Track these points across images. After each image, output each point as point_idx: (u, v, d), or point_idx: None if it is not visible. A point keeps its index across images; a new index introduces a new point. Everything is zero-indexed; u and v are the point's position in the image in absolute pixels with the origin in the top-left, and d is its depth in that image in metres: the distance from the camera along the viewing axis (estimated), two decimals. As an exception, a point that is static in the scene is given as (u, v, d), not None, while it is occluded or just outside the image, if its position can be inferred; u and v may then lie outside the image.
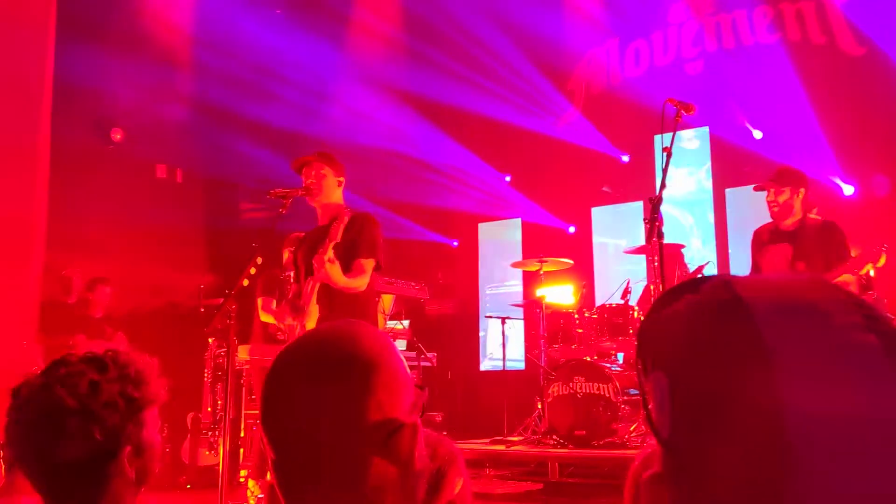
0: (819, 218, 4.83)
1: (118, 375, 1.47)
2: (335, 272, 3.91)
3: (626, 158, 8.51)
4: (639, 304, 6.45)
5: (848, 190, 7.08)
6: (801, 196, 4.71)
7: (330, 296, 4.02)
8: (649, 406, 0.66)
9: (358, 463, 0.98)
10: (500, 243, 9.49)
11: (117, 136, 8.23)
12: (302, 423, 0.99)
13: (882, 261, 4.09)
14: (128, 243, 8.06)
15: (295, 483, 1.01)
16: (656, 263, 3.32)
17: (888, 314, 0.63)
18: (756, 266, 4.93)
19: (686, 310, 0.66)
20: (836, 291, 0.64)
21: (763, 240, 4.83)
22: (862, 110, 6.95)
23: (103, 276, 7.24)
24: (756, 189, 4.86)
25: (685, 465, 0.62)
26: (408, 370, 1.07)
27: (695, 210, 8.21)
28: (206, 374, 6.87)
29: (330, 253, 3.88)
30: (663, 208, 3.65)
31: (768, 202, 4.71)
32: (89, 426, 1.39)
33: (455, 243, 9.78)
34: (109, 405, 1.42)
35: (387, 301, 7.24)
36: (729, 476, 0.59)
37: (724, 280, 0.65)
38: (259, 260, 3.61)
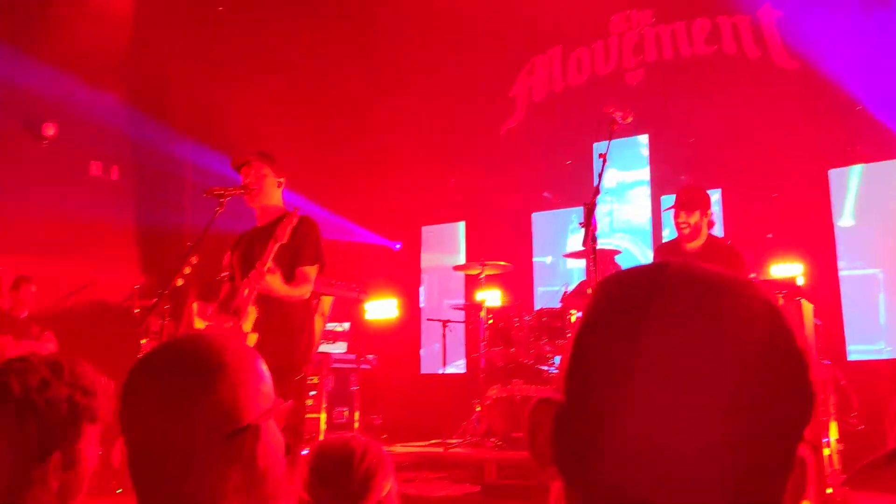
0: (723, 239, 4.93)
1: (70, 381, 1.45)
2: (276, 283, 3.88)
3: (567, 163, 8.62)
4: (565, 301, 6.55)
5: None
6: (708, 217, 4.87)
7: (267, 298, 3.98)
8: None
9: (197, 459, 1.04)
10: (443, 246, 9.51)
11: (50, 131, 7.99)
12: (147, 420, 1.07)
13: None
14: (60, 242, 7.85)
15: (143, 476, 1.08)
16: (592, 266, 3.38)
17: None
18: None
19: (628, 274, 0.74)
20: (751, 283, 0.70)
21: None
22: (793, 122, 7.17)
23: (25, 274, 7.01)
24: (667, 210, 4.98)
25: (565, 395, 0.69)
26: (263, 380, 1.13)
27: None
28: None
29: (269, 263, 3.85)
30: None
31: (678, 223, 4.82)
32: (27, 417, 1.37)
33: (398, 246, 9.76)
34: (52, 404, 1.40)
35: (326, 303, 7.19)
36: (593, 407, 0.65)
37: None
38: (194, 260, 3.55)
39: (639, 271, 0.71)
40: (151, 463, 1.06)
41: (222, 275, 5.77)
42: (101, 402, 1.49)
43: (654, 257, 5.09)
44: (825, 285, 6.57)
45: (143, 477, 1.08)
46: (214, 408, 1.06)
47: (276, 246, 3.92)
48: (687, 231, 4.78)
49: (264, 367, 1.15)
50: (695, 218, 4.76)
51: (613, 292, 0.69)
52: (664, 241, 5.17)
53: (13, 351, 6.49)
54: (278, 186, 4.26)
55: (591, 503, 0.65)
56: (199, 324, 6.00)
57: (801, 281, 5.93)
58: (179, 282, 3.52)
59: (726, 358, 0.62)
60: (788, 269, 6.46)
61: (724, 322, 0.64)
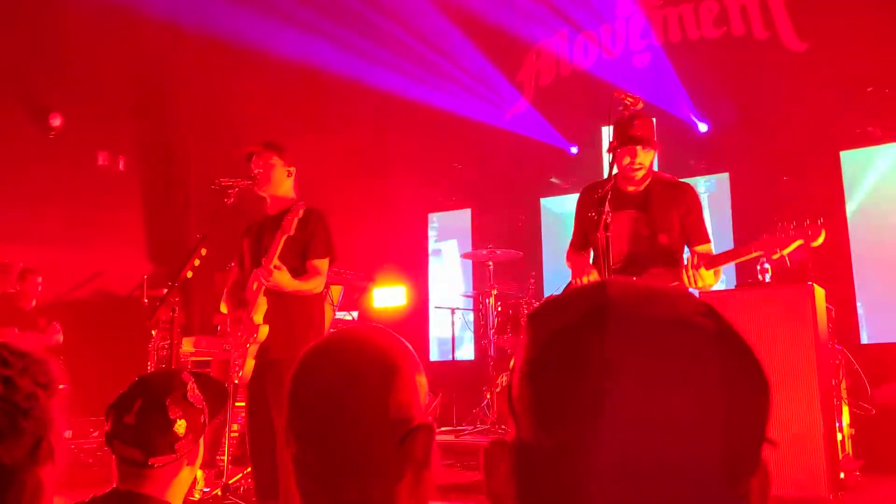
0: (669, 176, 4.08)
1: (23, 367, 1.41)
2: (283, 279, 3.86)
3: (574, 150, 8.58)
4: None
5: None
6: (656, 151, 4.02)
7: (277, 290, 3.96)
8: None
9: (375, 459, 1.03)
10: (451, 233, 9.49)
11: (56, 121, 7.97)
12: (325, 418, 1.04)
13: (821, 238, 3.52)
14: (68, 232, 7.86)
15: (313, 476, 1.05)
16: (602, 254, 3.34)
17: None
18: (582, 235, 4.14)
19: (564, 299, 0.70)
20: (688, 294, 0.69)
21: (595, 202, 3.75)
22: (804, 103, 7.11)
23: (31, 265, 7.03)
24: (612, 149, 3.81)
25: (522, 434, 0.66)
26: (423, 374, 1.12)
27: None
28: (148, 367, 6.73)
29: (275, 260, 3.83)
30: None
31: (631, 166, 3.85)
32: (18, 421, 1.31)
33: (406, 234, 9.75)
34: (31, 396, 1.34)
35: (335, 292, 7.18)
36: (553, 445, 0.63)
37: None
38: (204, 251, 3.54)
39: (573, 301, 0.68)
40: (327, 466, 1.03)
41: (231, 264, 5.77)
42: (56, 374, 1.47)
43: (580, 203, 4.15)
44: (837, 270, 6.52)
45: (315, 482, 1.05)
46: (393, 407, 1.04)
47: (284, 238, 3.89)
48: (641, 174, 3.87)
49: (418, 360, 1.13)
50: (650, 156, 3.89)
51: (555, 327, 0.66)
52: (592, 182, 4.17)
53: (20, 344, 6.50)
54: (288, 176, 4.21)
55: None
56: (224, 309, 6.01)
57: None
58: (189, 273, 3.50)
59: (687, 373, 0.62)
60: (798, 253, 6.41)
61: (675, 337, 0.63)
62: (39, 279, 7.03)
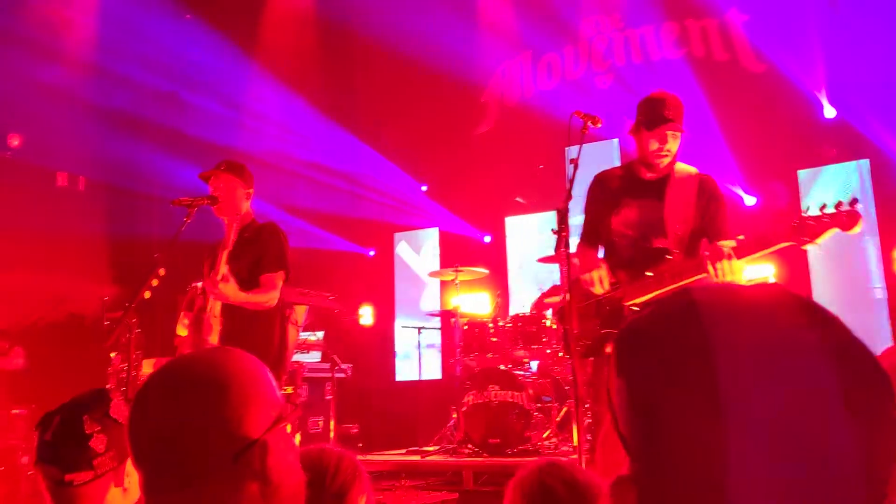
0: (690, 168, 3.73)
1: None
2: (230, 290, 3.81)
3: (540, 167, 8.64)
4: (538, 307, 6.57)
5: (749, 200, 7.36)
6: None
7: (232, 309, 3.92)
8: (616, 416, 0.69)
9: (211, 475, 1.06)
10: (418, 252, 9.48)
11: (15, 141, 7.86)
12: (159, 438, 1.09)
13: (858, 226, 3.10)
14: (27, 254, 7.71)
15: (157, 493, 1.10)
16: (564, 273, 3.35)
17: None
18: (594, 228, 3.77)
19: (646, 318, 0.69)
20: (786, 295, 0.66)
21: (614, 190, 3.63)
22: (762, 124, 7.25)
23: None
24: (636, 132, 3.58)
25: (643, 468, 0.65)
26: (271, 390, 1.15)
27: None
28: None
29: (223, 270, 3.79)
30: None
31: (654, 151, 3.54)
32: None
33: (371, 253, 9.73)
34: None
35: (300, 312, 7.12)
36: (678, 477, 0.62)
37: (684, 289, 0.68)
38: (161, 271, 3.49)
39: (668, 318, 0.66)
40: (165, 481, 1.07)
41: (193, 284, 5.70)
42: None
43: (593, 188, 3.78)
44: (799, 287, 6.62)
45: (157, 494, 1.09)
46: (224, 425, 1.07)
47: (225, 253, 3.85)
48: (666, 161, 3.58)
49: (271, 378, 1.16)
50: (678, 142, 3.58)
51: (657, 356, 0.64)
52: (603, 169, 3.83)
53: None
54: (247, 198, 4.21)
55: None
56: (182, 331, 5.92)
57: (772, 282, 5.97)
58: (147, 294, 3.46)
59: (808, 401, 0.60)
60: (760, 271, 6.51)
61: (788, 362, 0.61)
62: (-4, 302, 6.89)
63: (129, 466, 1.76)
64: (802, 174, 7.24)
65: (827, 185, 7.14)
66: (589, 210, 3.80)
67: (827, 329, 0.63)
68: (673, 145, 3.55)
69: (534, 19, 8.58)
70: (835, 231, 3.12)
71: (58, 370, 7.13)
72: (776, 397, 0.59)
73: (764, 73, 7.41)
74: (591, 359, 3.62)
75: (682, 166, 3.70)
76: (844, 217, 3.10)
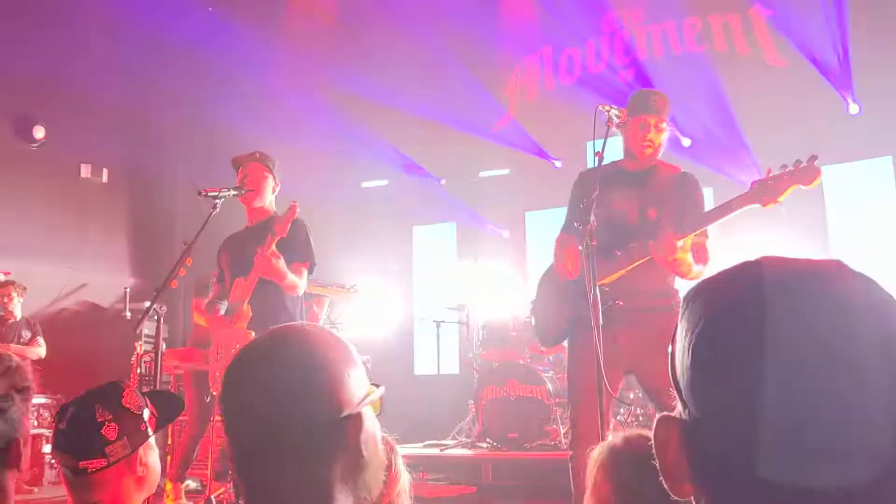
0: (673, 166, 3.77)
1: (4, 370, 1.47)
2: (282, 265, 3.86)
3: (558, 164, 8.62)
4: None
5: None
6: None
7: (261, 297, 3.95)
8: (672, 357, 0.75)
9: (302, 450, 1.07)
10: (435, 246, 9.50)
11: (39, 133, 7.93)
12: (252, 414, 1.09)
13: (818, 180, 3.16)
14: (52, 244, 7.80)
15: (248, 469, 1.10)
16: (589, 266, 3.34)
17: None
18: (571, 222, 3.72)
19: (719, 275, 0.75)
20: (842, 264, 0.72)
21: (598, 182, 3.47)
22: (785, 119, 7.19)
23: (11, 278, 6.98)
24: (618, 123, 3.58)
25: (690, 408, 0.71)
26: (358, 368, 1.15)
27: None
28: (130, 380, 6.68)
29: (272, 248, 3.83)
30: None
31: (638, 140, 3.60)
32: None
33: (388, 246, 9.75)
34: (6, 399, 1.43)
35: (321, 304, 7.17)
36: (720, 418, 0.68)
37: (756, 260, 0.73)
38: (189, 262, 3.53)
39: (733, 277, 0.72)
40: (258, 458, 1.08)
41: (213, 274, 5.75)
42: (30, 376, 1.54)
43: (577, 186, 3.81)
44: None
45: (248, 470, 1.10)
46: (317, 400, 1.08)
47: (276, 239, 3.88)
48: (650, 152, 3.60)
49: (357, 355, 1.17)
50: (662, 136, 3.62)
51: (717, 306, 0.70)
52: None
53: None
54: (274, 190, 4.26)
55: None
56: (200, 320, 5.96)
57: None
58: (174, 284, 3.49)
59: (846, 354, 0.64)
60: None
61: (834, 317, 0.66)
62: (23, 292, 6.97)
63: (143, 454, 1.81)
64: (825, 170, 7.17)
65: (850, 182, 7.08)
66: (571, 204, 3.87)
67: (870, 292, 0.68)
68: (656, 137, 3.61)
69: (555, 13, 8.55)
70: (796, 187, 3.16)
71: (80, 359, 7.21)
72: (823, 350, 0.64)
73: (787, 69, 7.35)
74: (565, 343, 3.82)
75: (667, 164, 3.77)
76: (803, 172, 3.14)
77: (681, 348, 0.72)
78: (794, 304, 0.66)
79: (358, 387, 1.13)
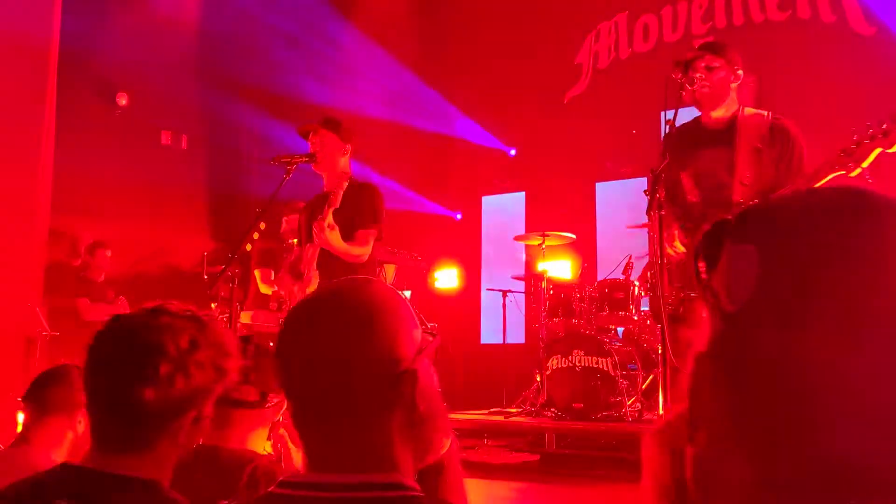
0: (762, 112, 3.49)
1: (215, 342, 1.48)
2: (334, 238, 3.91)
3: (633, 132, 8.48)
4: (639, 280, 6.45)
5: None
6: (737, 81, 3.49)
7: (331, 263, 4.03)
8: (715, 277, 0.69)
9: (360, 404, 1.08)
10: (504, 217, 9.49)
11: (122, 100, 8.21)
12: (309, 368, 1.10)
13: None
14: (132, 209, 8.08)
15: (307, 423, 1.11)
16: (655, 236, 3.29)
17: None
18: (671, 181, 3.54)
19: (804, 205, 0.68)
20: None
21: (682, 145, 3.43)
22: (871, 89, 6.90)
23: (102, 239, 7.27)
24: (683, 64, 3.39)
25: (742, 344, 0.65)
26: (415, 323, 1.15)
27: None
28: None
29: (329, 219, 3.87)
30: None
31: (695, 81, 3.41)
32: (177, 377, 1.40)
33: (458, 216, 9.78)
34: (201, 366, 1.44)
35: (389, 271, 7.27)
36: (794, 362, 0.62)
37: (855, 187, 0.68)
38: (262, 225, 3.63)
39: (832, 197, 0.67)
40: (315, 410, 1.10)
41: (287, 241, 5.88)
42: (235, 364, 1.53)
43: (664, 147, 3.51)
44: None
45: (307, 424, 1.12)
46: (375, 354, 1.09)
47: (331, 211, 3.93)
48: (706, 90, 3.40)
49: (413, 311, 1.17)
50: (719, 73, 3.40)
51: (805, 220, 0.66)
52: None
53: (91, 314, 6.75)
54: (344, 153, 4.27)
55: (797, 474, 0.62)
56: (264, 289, 6.13)
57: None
58: (248, 247, 3.60)
59: None
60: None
61: None
62: (108, 253, 7.26)
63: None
64: None
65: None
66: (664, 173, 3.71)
67: None
68: (708, 76, 3.42)
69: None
70: (878, 151, 3.00)
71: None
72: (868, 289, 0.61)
73: (874, 36, 7.04)
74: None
75: (751, 110, 3.54)
76: (886, 135, 2.98)
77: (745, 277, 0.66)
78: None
79: (414, 342, 1.13)
